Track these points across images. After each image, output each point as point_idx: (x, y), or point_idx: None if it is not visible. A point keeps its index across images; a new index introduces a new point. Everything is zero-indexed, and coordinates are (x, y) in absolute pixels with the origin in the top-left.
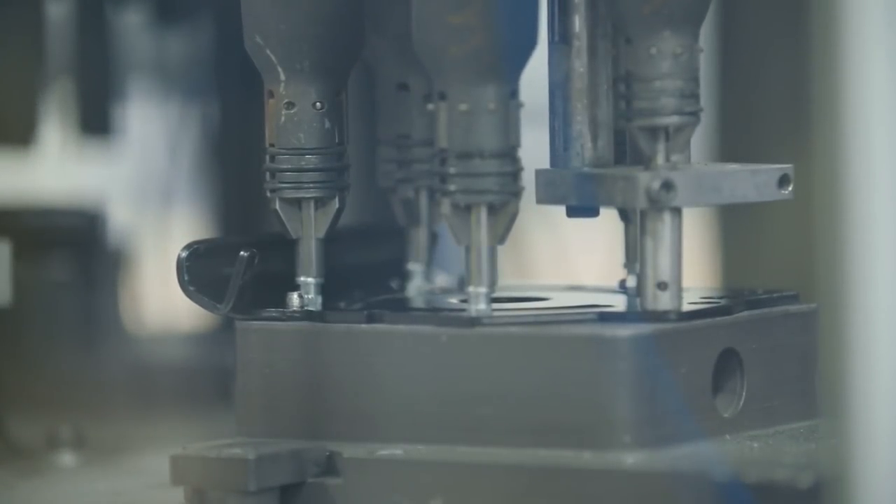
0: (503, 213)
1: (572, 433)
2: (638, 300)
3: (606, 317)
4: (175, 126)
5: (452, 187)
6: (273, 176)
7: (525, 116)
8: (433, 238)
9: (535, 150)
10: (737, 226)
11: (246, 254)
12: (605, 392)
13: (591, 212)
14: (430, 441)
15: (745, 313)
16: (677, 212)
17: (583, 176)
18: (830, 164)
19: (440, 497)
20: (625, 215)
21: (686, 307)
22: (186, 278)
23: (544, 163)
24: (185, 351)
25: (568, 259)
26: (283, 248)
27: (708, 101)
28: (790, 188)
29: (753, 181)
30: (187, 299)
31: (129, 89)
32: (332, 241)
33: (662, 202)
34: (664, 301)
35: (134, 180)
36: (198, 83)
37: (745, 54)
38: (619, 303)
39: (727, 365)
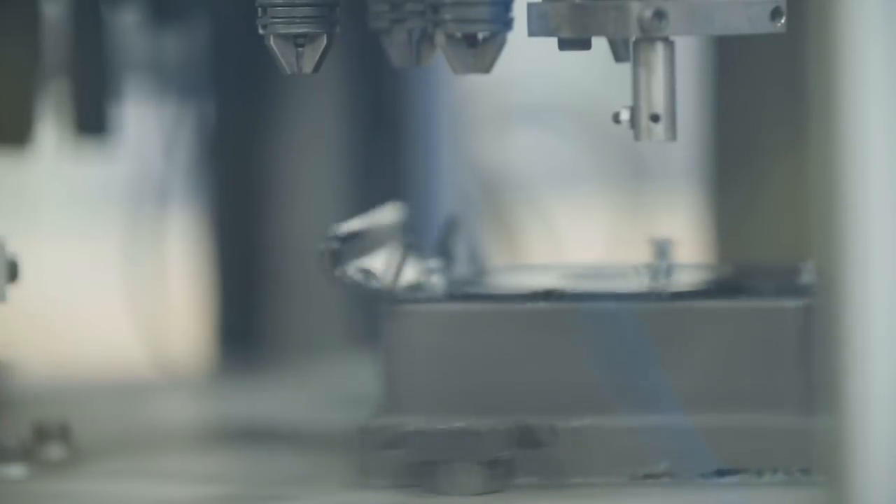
0: (493, 43)
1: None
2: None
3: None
4: (171, 125)
5: (447, 16)
6: (266, 12)
7: (524, 116)
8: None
9: (535, 150)
10: (732, 229)
11: (408, 242)
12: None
13: (583, 44)
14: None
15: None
16: (670, 44)
17: (575, 7)
18: (827, 159)
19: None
20: (617, 53)
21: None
22: (336, 265)
23: (544, 164)
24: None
25: (563, 254)
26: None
27: (704, 100)
28: (783, 20)
29: (747, 13)
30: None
31: (126, 89)
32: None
33: (654, 31)
34: (657, 133)
35: (130, 180)
36: (194, 83)
37: (741, 52)
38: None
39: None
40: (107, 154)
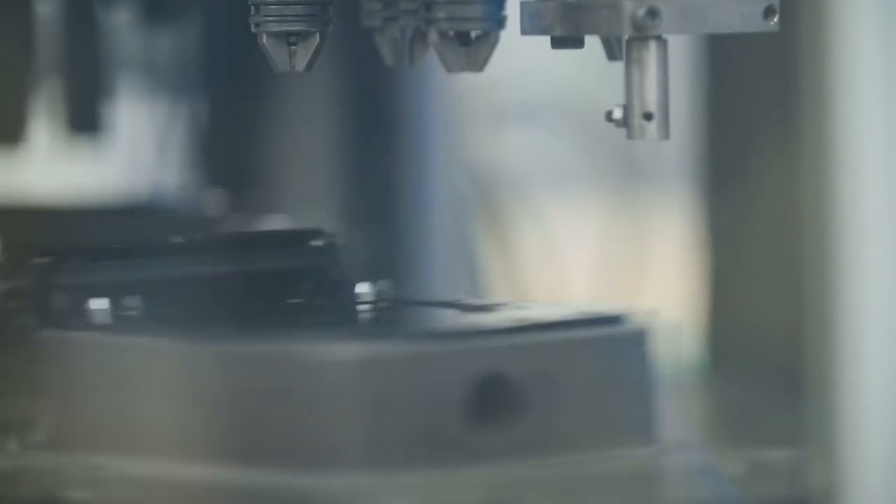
0: (486, 41)
1: (296, 454)
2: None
3: (354, 335)
4: (164, 124)
5: (440, 15)
6: (258, 10)
7: (518, 115)
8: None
9: (528, 149)
10: (725, 228)
11: (46, 261)
12: (322, 414)
13: (576, 43)
14: (174, 459)
15: (520, 336)
16: (663, 42)
17: (567, 6)
18: (819, 162)
19: None
20: (611, 52)
21: (447, 328)
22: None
23: (538, 162)
24: None
25: (556, 253)
26: (119, 258)
27: (697, 99)
28: (776, 19)
29: (739, 11)
30: None
31: (118, 87)
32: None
33: (647, 29)
34: (650, 131)
35: (122, 179)
36: (187, 81)
37: (734, 54)
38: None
39: (493, 390)
40: (100, 153)
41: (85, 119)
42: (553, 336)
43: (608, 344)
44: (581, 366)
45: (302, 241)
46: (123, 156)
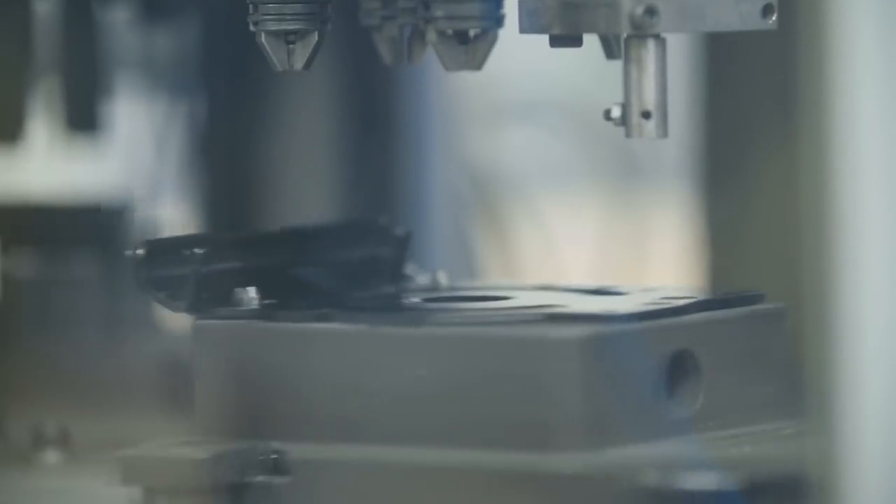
0: (485, 40)
1: (518, 436)
2: (625, 129)
3: (555, 318)
4: (162, 123)
5: (438, 13)
6: (257, 9)
7: (516, 113)
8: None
9: (526, 147)
10: (723, 227)
11: (201, 251)
12: (551, 394)
13: (575, 41)
14: (376, 442)
15: (702, 314)
16: (661, 40)
17: (566, 4)
18: (817, 161)
19: (387, 499)
20: (609, 50)
21: (639, 308)
22: (142, 276)
23: (536, 161)
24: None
25: (554, 252)
26: (239, 247)
27: (695, 97)
28: (774, 17)
29: (738, 9)
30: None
31: (117, 86)
32: (317, 237)
33: (646, 27)
34: (649, 130)
35: (121, 177)
36: (185, 80)
37: (732, 52)
38: (578, 303)
39: (682, 367)
40: (98, 151)
41: (83, 118)
42: (724, 314)
43: (762, 321)
44: (747, 342)
45: (382, 231)
46: (122, 154)
